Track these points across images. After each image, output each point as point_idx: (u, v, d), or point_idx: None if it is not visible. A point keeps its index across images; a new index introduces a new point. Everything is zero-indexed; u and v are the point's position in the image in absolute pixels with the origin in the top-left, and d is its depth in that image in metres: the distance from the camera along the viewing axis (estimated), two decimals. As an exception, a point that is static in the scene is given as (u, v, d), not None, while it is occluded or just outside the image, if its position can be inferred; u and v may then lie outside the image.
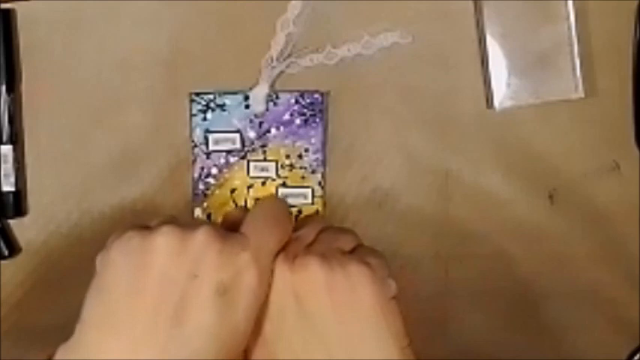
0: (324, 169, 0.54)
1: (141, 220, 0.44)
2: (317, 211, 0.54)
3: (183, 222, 0.43)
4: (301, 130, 0.54)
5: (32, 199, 0.54)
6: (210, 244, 0.41)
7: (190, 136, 0.53)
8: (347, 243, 0.45)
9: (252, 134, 0.54)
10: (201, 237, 0.41)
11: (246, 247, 0.42)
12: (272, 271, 0.43)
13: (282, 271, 0.43)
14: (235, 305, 0.41)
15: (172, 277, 0.40)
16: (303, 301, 0.42)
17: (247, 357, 0.44)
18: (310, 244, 0.45)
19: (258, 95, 0.53)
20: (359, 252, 0.45)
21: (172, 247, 0.41)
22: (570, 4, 0.53)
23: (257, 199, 0.53)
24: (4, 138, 0.53)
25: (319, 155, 0.54)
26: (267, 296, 0.43)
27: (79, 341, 0.41)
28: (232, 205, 0.54)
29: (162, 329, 0.40)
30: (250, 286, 0.42)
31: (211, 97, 0.53)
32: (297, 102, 0.53)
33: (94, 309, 0.41)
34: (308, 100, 0.53)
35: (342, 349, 0.42)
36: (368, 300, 0.42)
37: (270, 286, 0.43)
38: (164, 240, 0.41)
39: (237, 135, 0.53)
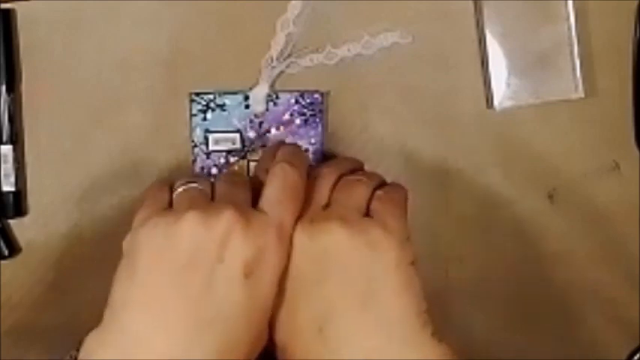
0: (324, 169, 0.54)
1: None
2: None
3: (206, 199, 0.45)
4: (301, 130, 0.54)
5: (32, 199, 0.54)
6: (235, 227, 0.42)
7: (190, 136, 0.53)
8: (363, 196, 0.46)
9: (252, 134, 0.54)
10: (226, 221, 0.42)
11: (269, 225, 0.43)
12: (291, 239, 0.44)
13: (301, 237, 0.44)
14: (261, 283, 0.43)
15: (199, 259, 0.41)
16: (324, 263, 0.43)
17: (270, 322, 0.45)
18: (326, 206, 0.46)
19: (258, 95, 0.53)
20: (379, 212, 0.45)
21: (197, 233, 0.42)
22: (570, 4, 0.53)
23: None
24: (4, 138, 0.53)
25: (319, 155, 0.54)
26: (287, 262, 0.44)
27: (111, 323, 0.42)
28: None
29: (192, 306, 0.41)
30: (274, 262, 0.43)
31: (211, 97, 0.53)
32: (297, 102, 0.53)
33: (123, 290, 0.42)
34: (308, 100, 0.53)
35: (363, 306, 0.43)
36: (388, 263, 0.43)
37: (289, 254, 0.44)
38: (189, 226, 0.42)
39: (237, 135, 0.53)
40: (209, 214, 0.42)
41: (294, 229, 0.44)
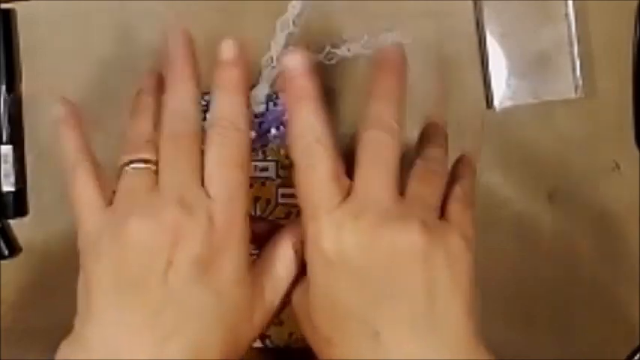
0: (324, 169, 0.54)
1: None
2: None
3: (148, 187, 0.41)
4: (301, 130, 0.53)
5: (32, 199, 0.54)
6: (179, 227, 0.40)
7: (190, 136, 0.53)
8: (440, 190, 0.43)
9: (252, 134, 0.53)
10: (169, 225, 0.40)
11: (217, 212, 0.41)
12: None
13: (367, 231, 0.40)
14: (223, 274, 0.41)
15: (149, 269, 0.40)
16: (391, 264, 0.40)
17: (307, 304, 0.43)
18: (401, 194, 0.42)
19: (258, 95, 0.53)
20: (459, 221, 0.42)
21: (142, 242, 0.40)
22: (570, 4, 0.53)
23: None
24: (4, 138, 0.53)
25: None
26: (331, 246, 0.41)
27: (79, 333, 0.41)
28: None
29: (152, 317, 0.40)
30: (232, 248, 0.41)
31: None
32: (297, 102, 0.53)
33: (84, 304, 0.41)
34: (308, 100, 0.53)
35: (430, 321, 0.40)
36: (461, 280, 0.41)
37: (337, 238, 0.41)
38: (133, 238, 0.40)
39: (237, 135, 0.53)
40: (152, 221, 0.40)
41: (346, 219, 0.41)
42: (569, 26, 0.53)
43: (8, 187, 0.53)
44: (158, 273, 0.40)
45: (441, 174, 0.44)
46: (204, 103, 0.53)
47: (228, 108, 0.43)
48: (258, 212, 0.54)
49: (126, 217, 0.40)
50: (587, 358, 0.54)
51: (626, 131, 0.54)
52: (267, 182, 0.54)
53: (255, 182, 0.54)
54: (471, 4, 0.53)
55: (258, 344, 0.53)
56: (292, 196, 0.54)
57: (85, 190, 0.43)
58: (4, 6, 0.53)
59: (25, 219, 0.54)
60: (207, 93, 0.53)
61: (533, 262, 0.55)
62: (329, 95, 0.53)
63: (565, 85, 0.53)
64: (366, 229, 0.40)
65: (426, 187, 0.43)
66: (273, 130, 0.54)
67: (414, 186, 0.43)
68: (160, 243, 0.40)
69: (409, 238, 0.40)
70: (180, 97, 0.44)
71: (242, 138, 0.43)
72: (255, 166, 0.54)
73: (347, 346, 0.41)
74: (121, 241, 0.40)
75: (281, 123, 0.53)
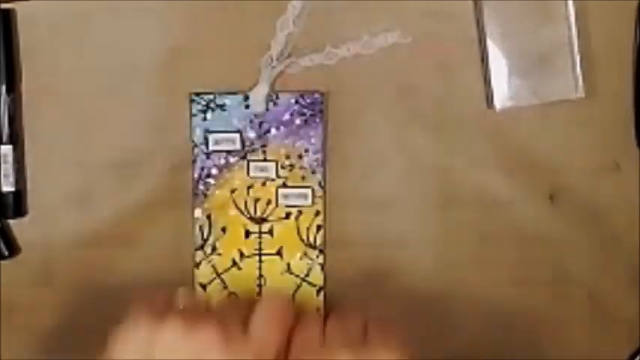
0: (324, 169, 0.54)
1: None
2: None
3: (191, 306, 0.46)
4: (301, 130, 0.54)
5: (32, 199, 0.54)
6: (212, 346, 0.42)
7: (190, 136, 0.53)
8: (356, 328, 0.47)
9: (252, 134, 0.54)
10: (205, 339, 0.43)
11: (251, 346, 0.44)
12: None
13: None
14: None
15: None
16: None
17: None
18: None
19: (258, 95, 0.53)
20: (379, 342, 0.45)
21: (176, 347, 0.42)
22: (570, 4, 0.53)
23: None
24: (4, 138, 0.53)
25: (319, 155, 0.54)
26: None
27: None
28: (232, 205, 0.54)
29: None
30: None
31: (211, 97, 0.53)
32: (297, 102, 0.53)
33: None
34: (308, 100, 0.53)
35: None
36: None
37: None
38: (169, 338, 0.43)
39: (237, 135, 0.53)
40: (191, 328, 0.43)
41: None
42: (569, 26, 0.53)
43: (8, 187, 0.53)
44: None
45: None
46: (204, 102, 0.53)
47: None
48: (259, 213, 0.54)
49: (166, 318, 0.44)
50: (587, 359, 0.54)
51: (626, 131, 0.54)
52: (267, 182, 0.54)
53: (255, 182, 0.54)
54: (471, 4, 0.53)
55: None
56: (292, 196, 0.54)
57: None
58: (4, 6, 0.53)
59: (25, 219, 0.54)
60: (207, 93, 0.53)
61: (532, 263, 0.55)
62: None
63: (565, 85, 0.53)
64: None
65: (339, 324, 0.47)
66: (273, 130, 0.54)
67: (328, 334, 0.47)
68: (191, 353, 0.42)
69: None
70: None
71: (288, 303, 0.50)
72: (255, 166, 0.54)
73: None
74: (157, 338, 0.43)
75: (281, 123, 0.53)
